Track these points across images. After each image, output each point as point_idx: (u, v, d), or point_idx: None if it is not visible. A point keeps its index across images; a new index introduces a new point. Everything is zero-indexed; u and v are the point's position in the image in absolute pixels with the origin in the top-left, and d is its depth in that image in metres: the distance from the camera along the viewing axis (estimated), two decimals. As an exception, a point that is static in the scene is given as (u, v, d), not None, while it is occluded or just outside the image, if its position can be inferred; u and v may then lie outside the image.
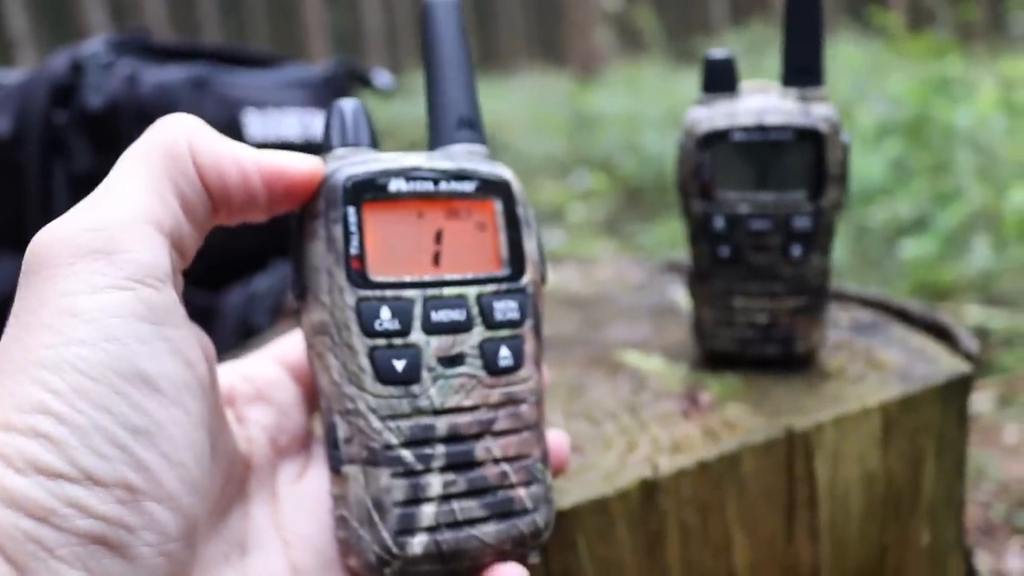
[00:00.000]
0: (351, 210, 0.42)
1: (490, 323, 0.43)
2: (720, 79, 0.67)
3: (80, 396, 0.33)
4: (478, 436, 0.43)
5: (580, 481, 0.55)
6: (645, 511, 0.56)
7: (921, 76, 3.30)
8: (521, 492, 0.43)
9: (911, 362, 0.68)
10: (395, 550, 0.40)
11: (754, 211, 0.66)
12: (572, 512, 0.53)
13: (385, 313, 0.41)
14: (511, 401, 0.44)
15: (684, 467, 0.56)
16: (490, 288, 0.44)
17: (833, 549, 0.63)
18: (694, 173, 0.66)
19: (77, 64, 1.23)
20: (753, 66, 5.16)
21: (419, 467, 0.41)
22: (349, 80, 1.53)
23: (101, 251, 0.35)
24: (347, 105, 0.45)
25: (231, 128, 1.29)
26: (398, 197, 0.43)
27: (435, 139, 0.47)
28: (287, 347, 0.51)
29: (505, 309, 0.44)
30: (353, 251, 0.41)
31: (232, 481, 0.44)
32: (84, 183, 1.21)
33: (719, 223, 0.66)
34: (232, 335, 1.22)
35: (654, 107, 5.50)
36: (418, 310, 0.42)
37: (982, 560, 1.40)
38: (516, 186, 0.46)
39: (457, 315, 0.43)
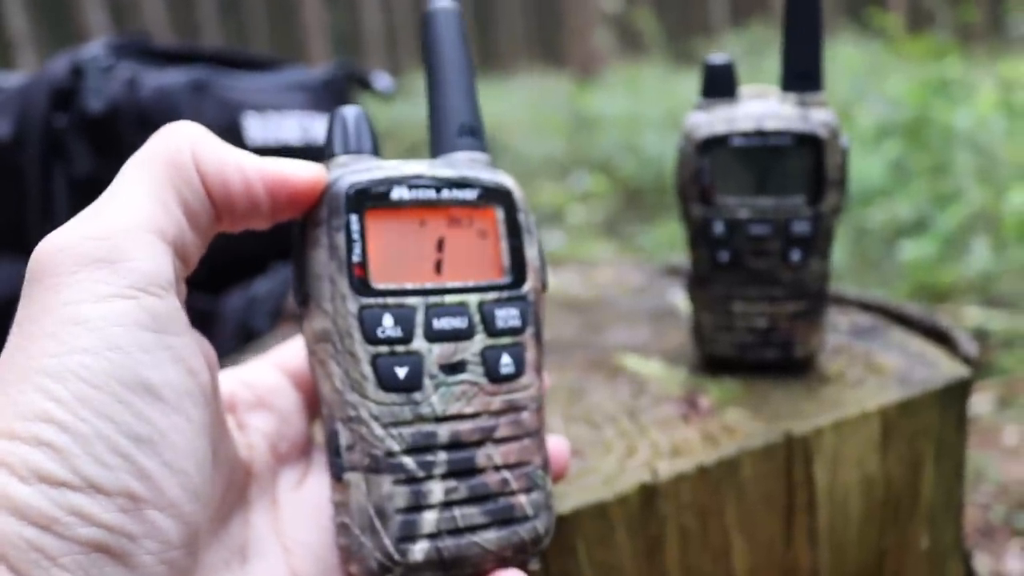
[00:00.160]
0: (354, 218, 0.42)
1: (492, 331, 0.44)
2: (719, 84, 0.67)
3: (83, 405, 0.33)
4: (479, 443, 0.43)
5: (580, 485, 0.55)
6: (644, 516, 0.56)
7: (920, 77, 3.30)
8: (522, 499, 0.43)
9: (910, 366, 0.69)
10: (397, 557, 0.40)
11: (753, 216, 0.66)
12: (572, 517, 0.53)
13: (387, 320, 0.42)
14: (512, 408, 0.44)
15: (683, 472, 0.57)
16: (491, 296, 0.44)
17: (832, 553, 0.63)
18: (693, 178, 0.67)
19: (77, 68, 1.23)
20: (753, 67, 5.17)
21: (421, 474, 0.41)
22: (349, 83, 1.53)
23: (104, 260, 0.35)
24: (349, 112, 0.45)
25: (231, 131, 1.29)
26: (400, 205, 0.43)
27: (437, 146, 0.47)
28: (288, 354, 0.51)
29: (506, 317, 0.44)
30: (355, 259, 0.42)
31: (233, 488, 0.44)
32: (84, 187, 1.22)
33: (718, 228, 0.67)
34: (232, 339, 1.22)
35: (654, 108, 5.50)
36: (420, 317, 0.42)
37: (982, 562, 1.40)
38: (517, 194, 0.46)
39: (459, 323, 0.43)
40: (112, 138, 1.21)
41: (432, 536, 0.41)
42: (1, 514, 0.31)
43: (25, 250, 1.28)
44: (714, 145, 0.66)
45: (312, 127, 1.39)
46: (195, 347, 0.38)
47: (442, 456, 0.42)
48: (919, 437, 0.65)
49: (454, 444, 0.42)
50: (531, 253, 0.46)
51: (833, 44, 6.30)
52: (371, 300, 0.41)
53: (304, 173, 0.42)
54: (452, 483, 0.42)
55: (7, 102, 1.25)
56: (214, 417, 0.40)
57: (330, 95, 1.45)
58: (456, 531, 0.42)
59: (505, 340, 0.44)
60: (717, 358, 0.70)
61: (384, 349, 0.41)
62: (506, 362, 0.44)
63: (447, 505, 0.42)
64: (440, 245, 0.44)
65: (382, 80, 1.55)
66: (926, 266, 2.38)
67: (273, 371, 0.50)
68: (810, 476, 0.61)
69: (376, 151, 0.45)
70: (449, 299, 0.43)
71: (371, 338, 0.41)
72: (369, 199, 0.42)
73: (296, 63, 1.58)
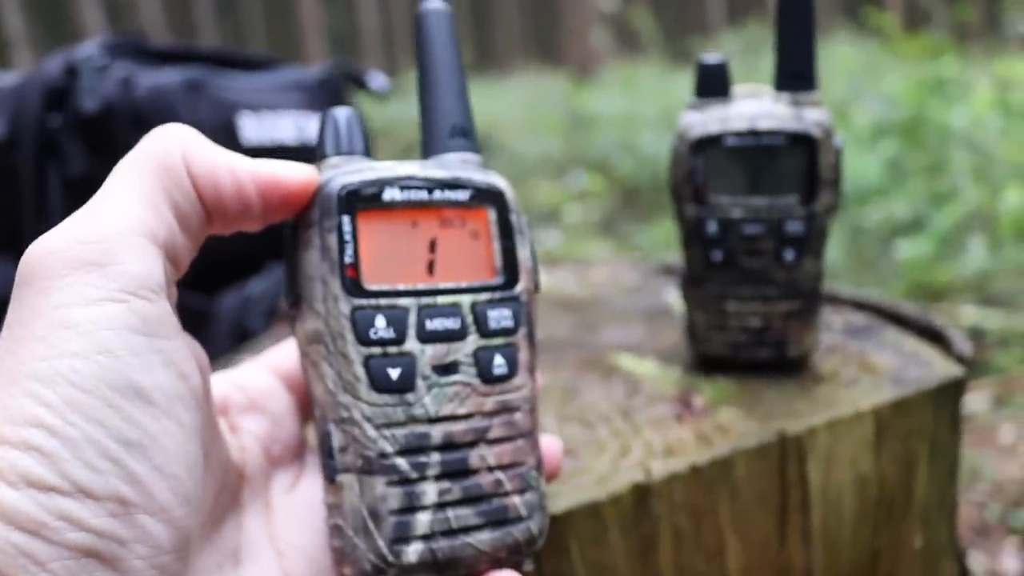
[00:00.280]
0: (345, 219, 0.42)
1: (484, 331, 0.44)
2: (713, 84, 0.67)
3: (73, 409, 0.33)
4: (473, 444, 0.43)
5: (573, 485, 0.55)
6: (638, 515, 0.56)
7: (917, 76, 3.31)
8: (515, 500, 0.43)
9: (904, 365, 0.69)
10: (391, 558, 0.40)
11: (747, 215, 0.66)
12: (565, 516, 0.53)
13: (380, 321, 0.42)
14: (505, 409, 0.44)
15: (677, 471, 0.57)
16: (484, 296, 0.44)
17: (826, 553, 0.63)
18: (687, 177, 0.67)
19: (71, 67, 1.23)
20: (749, 66, 5.17)
21: (414, 475, 0.41)
22: (344, 82, 1.53)
23: (95, 263, 0.35)
24: (341, 114, 0.45)
25: (226, 131, 1.29)
26: (392, 206, 0.43)
27: (429, 148, 0.47)
28: (280, 356, 0.51)
29: (499, 317, 0.44)
30: (347, 260, 0.42)
31: (225, 491, 0.44)
32: (78, 186, 1.21)
33: (712, 227, 0.67)
34: (227, 339, 1.22)
35: (650, 107, 5.50)
36: (412, 318, 0.42)
37: (977, 560, 1.40)
38: (510, 194, 0.46)
39: (451, 323, 0.43)
40: (106, 138, 1.21)
41: (426, 537, 0.41)
42: None
43: (19, 250, 1.28)
44: (708, 145, 0.66)
45: (307, 127, 1.39)
46: (186, 350, 0.38)
47: (435, 457, 0.42)
48: (913, 437, 0.65)
49: (447, 445, 0.42)
50: (523, 254, 0.46)
51: (829, 43, 6.31)
52: (363, 301, 0.41)
53: (296, 174, 0.42)
54: (446, 484, 0.42)
55: (1, 102, 1.25)
56: (206, 421, 0.40)
57: (325, 95, 1.45)
58: (450, 532, 0.42)
59: (498, 341, 0.44)
60: (711, 357, 0.71)
61: (377, 350, 0.41)
62: (499, 363, 0.44)
63: (441, 506, 0.42)
64: (432, 246, 0.44)
65: (377, 80, 1.55)
66: (922, 265, 2.39)
67: (266, 373, 0.50)
68: (804, 475, 0.61)
69: (368, 152, 0.45)
70: (442, 300, 0.43)
71: (363, 339, 0.41)
72: (361, 200, 0.42)
73: (292, 62, 1.58)
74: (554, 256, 1.23)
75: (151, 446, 0.34)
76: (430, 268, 0.44)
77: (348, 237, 0.42)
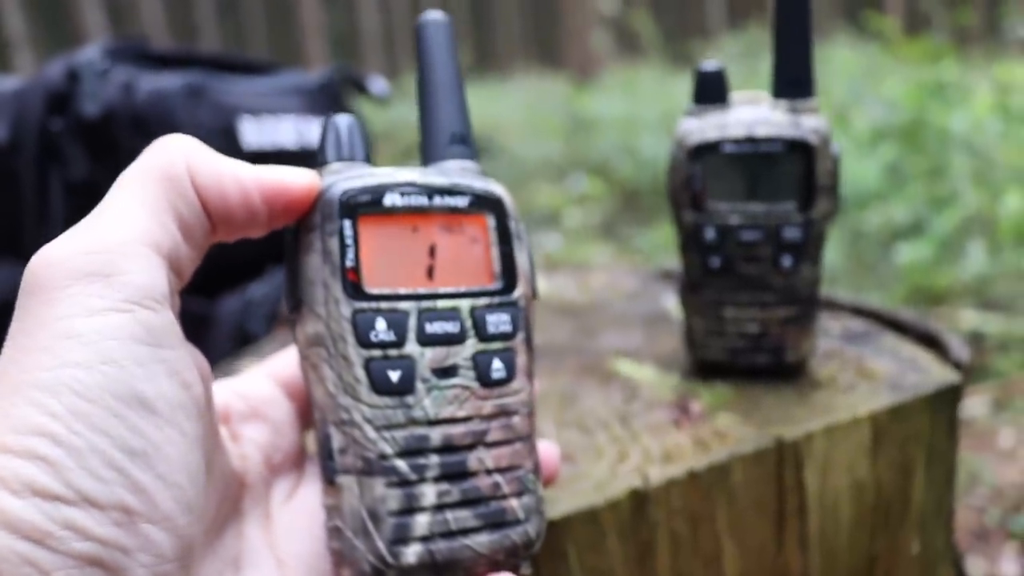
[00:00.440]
0: (347, 223, 0.42)
1: (483, 335, 0.44)
2: (711, 91, 0.67)
3: (77, 418, 0.33)
4: (471, 447, 0.43)
5: (571, 491, 0.56)
6: (635, 521, 0.56)
7: (917, 80, 3.31)
8: (513, 503, 0.44)
9: (901, 371, 0.69)
10: (389, 559, 0.41)
11: (745, 222, 0.66)
12: (563, 522, 0.54)
13: (380, 324, 0.42)
14: (503, 413, 0.44)
15: (674, 477, 0.57)
16: (483, 301, 0.45)
17: (823, 558, 0.63)
18: (685, 184, 0.67)
19: (73, 71, 1.23)
20: (750, 69, 5.18)
21: (413, 477, 0.42)
22: (345, 87, 1.54)
23: (99, 273, 0.36)
24: (342, 120, 0.45)
25: (227, 135, 1.29)
26: (393, 211, 0.43)
27: (428, 155, 0.47)
28: (281, 364, 0.51)
29: (497, 322, 0.44)
30: (349, 263, 0.42)
31: (227, 500, 0.44)
32: (80, 190, 1.22)
33: (710, 234, 0.67)
34: (228, 342, 1.22)
35: (651, 111, 5.50)
36: (412, 322, 0.43)
37: (976, 565, 1.40)
38: (508, 201, 0.46)
39: (451, 327, 0.43)
40: (107, 142, 1.21)
41: (425, 539, 0.41)
42: None
43: (21, 254, 1.29)
44: (705, 151, 0.66)
45: (308, 131, 1.39)
46: (189, 360, 0.38)
47: (434, 459, 0.42)
48: (910, 442, 0.65)
49: (446, 447, 0.42)
50: (521, 259, 0.46)
51: (830, 46, 6.31)
52: (364, 304, 0.42)
53: (299, 180, 0.42)
54: (444, 486, 0.42)
55: (3, 106, 1.25)
56: (208, 429, 0.40)
57: (326, 99, 1.45)
58: (448, 534, 0.42)
59: (496, 345, 0.44)
60: (709, 363, 0.71)
61: (377, 353, 0.42)
62: (497, 367, 0.44)
63: (439, 508, 0.42)
64: (432, 251, 0.44)
65: (378, 84, 1.55)
66: (922, 269, 2.39)
67: (266, 382, 0.50)
68: (801, 481, 0.61)
69: (369, 158, 0.45)
70: (441, 304, 0.44)
71: (364, 342, 0.42)
72: (362, 205, 0.43)
73: (293, 66, 1.58)
74: (554, 261, 1.23)
75: (155, 455, 0.35)
76: (430, 273, 0.44)
77: (349, 241, 0.42)
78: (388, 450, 0.41)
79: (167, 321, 0.37)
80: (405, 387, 0.42)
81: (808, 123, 0.65)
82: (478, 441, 0.43)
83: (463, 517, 0.42)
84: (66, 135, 1.21)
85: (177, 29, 19.66)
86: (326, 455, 0.43)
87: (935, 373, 0.68)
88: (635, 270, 1.10)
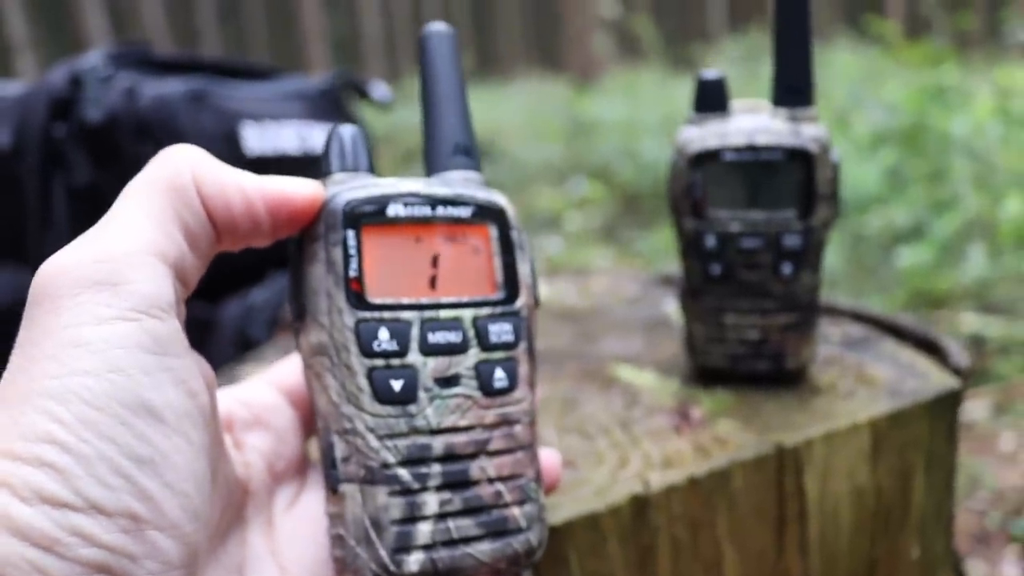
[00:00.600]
0: (350, 233, 0.43)
1: (485, 345, 0.44)
2: (712, 99, 0.68)
3: (85, 426, 0.33)
4: (473, 456, 0.43)
5: (572, 496, 0.56)
6: (636, 527, 0.56)
7: (918, 84, 3.32)
8: (515, 511, 0.44)
9: (901, 377, 0.69)
10: (392, 568, 0.41)
11: (745, 230, 0.67)
12: (564, 527, 0.54)
13: (383, 334, 0.42)
14: (505, 422, 0.44)
15: (675, 483, 0.57)
16: (485, 311, 0.45)
17: (823, 564, 0.64)
18: (686, 192, 0.67)
19: (76, 77, 1.24)
20: (750, 73, 5.18)
21: (416, 486, 0.42)
22: (347, 92, 1.54)
23: (106, 282, 0.36)
24: (346, 131, 0.46)
25: (229, 140, 1.30)
26: (396, 221, 0.44)
27: (431, 166, 0.48)
28: (284, 372, 0.52)
29: (500, 332, 0.45)
30: (352, 273, 0.42)
31: (230, 507, 0.45)
32: (83, 196, 1.22)
33: (710, 241, 0.67)
34: (229, 347, 1.23)
35: (652, 114, 5.51)
36: (415, 332, 0.43)
37: (977, 568, 1.41)
38: (510, 212, 0.47)
39: (453, 337, 0.44)
40: (111, 147, 1.22)
41: (427, 547, 0.42)
42: (2, 535, 0.31)
43: (24, 259, 1.29)
44: (706, 159, 0.66)
45: (310, 136, 1.40)
46: (195, 368, 0.38)
47: (436, 468, 0.42)
48: (909, 448, 0.66)
49: (448, 456, 0.43)
50: (524, 269, 0.46)
51: (830, 50, 6.32)
52: (367, 314, 0.42)
53: (303, 190, 0.42)
54: (446, 495, 0.42)
55: (6, 111, 1.26)
56: (213, 437, 0.41)
57: (328, 104, 1.46)
58: (450, 542, 0.42)
59: (498, 355, 0.45)
60: (709, 369, 0.71)
61: (380, 362, 0.42)
62: (499, 376, 0.44)
63: (441, 517, 0.42)
64: (435, 261, 0.45)
65: (379, 90, 1.56)
66: (923, 273, 2.39)
67: (269, 389, 0.51)
68: (801, 487, 0.62)
69: (372, 169, 0.46)
70: (444, 314, 0.44)
71: (367, 351, 0.42)
72: (365, 215, 0.43)
73: (294, 70, 1.59)
74: (554, 265, 1.23)
75: (162, 463, 0.35)
76: (432, 283, 0.45)
77: (353, 251, 0.42)
78: (391, 459, 0.41)
79: (173, 330, 0.37)
80: (407, 396, 0.42)
81: (808, 131, 0.65)
82: (480, 450, 0.43)
83: (465, 526, 0.42)
84: (69, 141, 1.22)
85: (179, 33, 19.67)
86: (329, 464, 0.43)
87: (934, 379, 0.69)
88: (636, 275, 1.10)
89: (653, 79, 7.44)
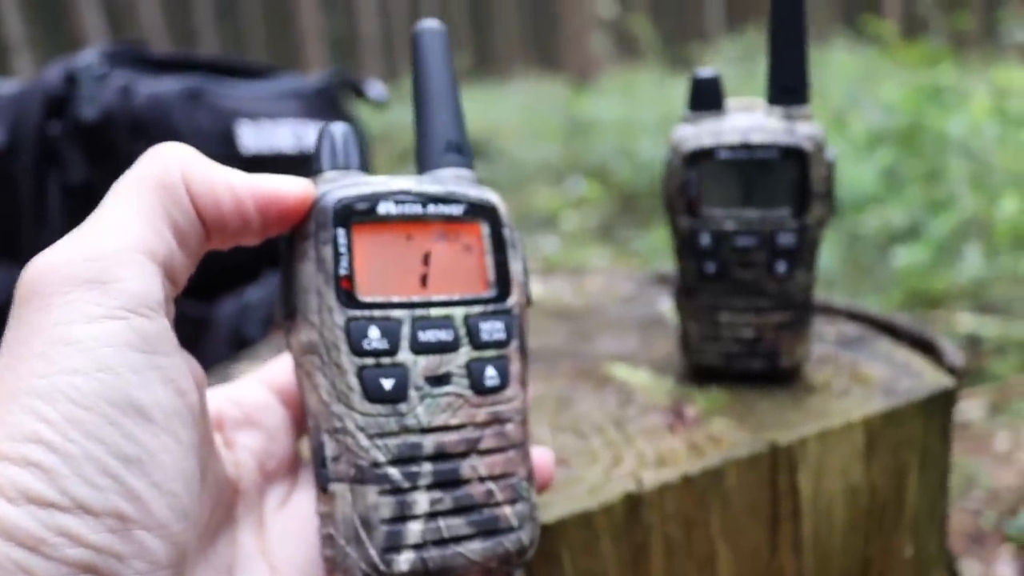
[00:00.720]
0: (341, 231, 0.42)
1: (477, 343, 0.44)
2: (707, 97, 0.68)
3: (73, 425, 0.33)
4: (464, 454, 0.43)
5: (565, 494, 0.56)
6: (629, 525, 0.56)
7: (914, 84, 3.32)
8: (506, 510, 0.44)
9: (895, 376, 0.69)
10: (382, 567, 0.41)
11: (740, 228, 0.66)
12: (557, 525, 0.54)
13: (374, 333, 0.42)
14: (497, 420, 0.44)
15: (668, 481, 0.57)
16: (477, 309, 0.45)
17: (817, 562, 0.64)
18: (680, 190, 0.67)
19: (71, 75, 1.24)
20: (747, 73, 5.18)
21: (406, 485, 0.42)
22: (343, 91, 1.54)
23: (95, 281, 0.36)
24: (337, 129, 0.45)
25: (224, 139, 1.30)
26: (387, 219, 0.44)
27: (423, 163, 0.47)
28: (275, 371, 0.51)
29: (491, 330, 0.45)
30: (342, 272, 0.42)
31: (220, 506, 0.44)
32: (77, 194, 1.22)
33: (705, 239, 0.67)
34: (224, 346, 1.23)
35: (649, 114, 5.51)
36: (406, 330, 0.43)
37: (972, 568, 1.41)
38: (502, 209, 0.46)
39: (444, 335, 0.44)
40: (105, 146, 1.21)
41: (417, 546, 0.41)
42: None
43: (18, 257, 1.29)
44: (701, 158, 0.66)
45: (306, 135, 1.40)
46: (184, 367, 0.38)
47: (427, 467, 0.42)
48: (903, 447, 0.66)
49: (439, 455, 0.42)
50: (515, 267, 0.46)
51: (827, 50, 6.32)
52: (357, 312, 0.42)
53: (293, 188, 0.42)
54: (437, 494, 0.42)
55: (1, 109, 1.25)
56: (203, 437, 0.40)
57: (324, 103, 1.46)
58: (441, 542, 0.42)
59: (490, 353, 0.44)
60: (704, 368, 0.71)
61: (370, 361, 0.42)
62: (491, 375, 0.44)
63: (432, 516, 0.42)
64: (426, 259, 0.45)
65: (375, 89, 1.55)
66: (919, 272, 2.39)
67: (260, 388, 0.51)
68: (795, 485, 0.61)
69: (364, 167, 0.46)
70: (435, 312, 0.44)
71: (357, 350, 0.42)
72: (356, 213, 0.43)
73: (291, 70, 1.58)
74: (550, 264, 1.23)
75: (150, 462, 0.35)
76: (423, 281, 0.44)
77: (343, 249, 0.42)
78: (381, 458, 0.41)
79: (162, 328, 0.37)
80: (398, 395, 0.42)
81: (803, 130, 0.65)
82: (471, 449, 0.43)
83: (456, 525, 0.42)
84: (64, 139, 1.21)
85: (176, 33, 19.65)
86: (319, 463, 0.43)
87: (929, 378, 0.68)
88: (631, 274, 1.10)
89: (651, 79, 7.44)
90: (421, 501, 0.42)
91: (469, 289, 0.45)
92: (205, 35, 20.80)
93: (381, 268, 0.43)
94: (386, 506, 0.41)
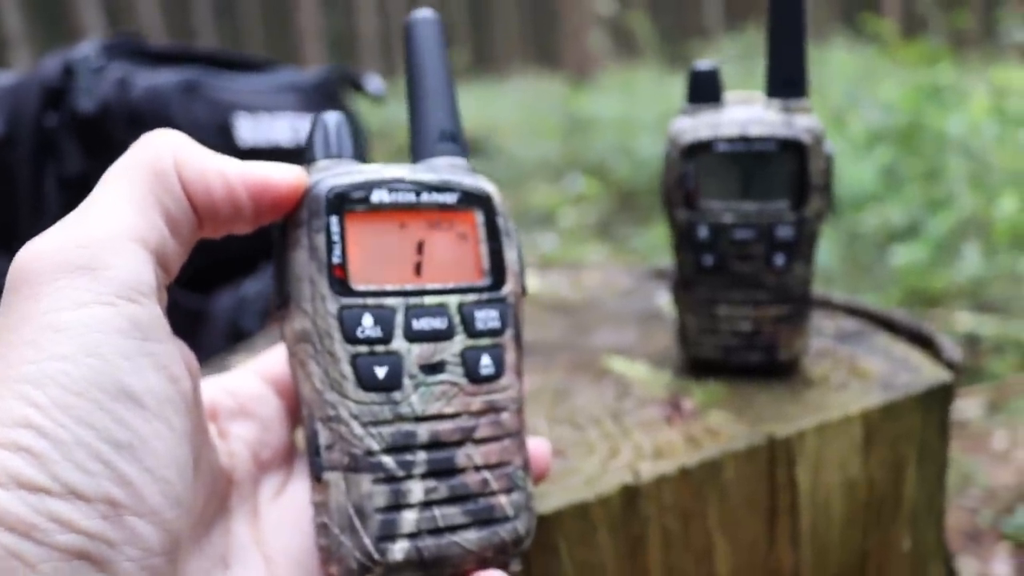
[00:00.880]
0: (333, 219, 0.42)
1: (471, 332, 0.44)
2: (705, 90, 0.67)
3: (63, 411, 0.33)
4: (459, 443, 0.43)
5: (562, 486, 0.56)
6: (627, 516, 0.56)
7: (913, 83, 3.32)
8: (502, 499, 0.44)
9: (894, 370, 0.69)
10: (376, 556, 0.41)
11: (738, 221, 0.66)
12: (554, 517, 0.54)
13: (367, 320, 0.42)
14: (492, 409, 0.44)
15: (666, 473, 0.57)
16: (471, 297, 0.44)
17: (814, 555, 0.63)
18: (678, 183, 0.67)
19: (69, 67, 1.23)
20: (747, 70, 5.17)
21: (400, 473, 0.41)
22: (341, 85, 1.54)
23: (85, 267, 0.35)
24: (330, 118, 0.45)
25: (222, 132, 1.29)
26: (380, 208, 0.43)
27: (417, 152, 0.47)
28: (270, 361, 0.51)
29: (486, 318, 0.44)
30: (335, 260, 0.42)
31: (215, 496, 0.44)
32: (75, 186, 1.22)
33: (703, 232, 0.67)
34: (222, 338, 1.22)
35: (648, 111, 5.51)
36: (400, 318, 0.43)
37: (969, 566, 1.41)
38: (497, 198, 0.46)
39: (439, 323, 0.43)
40: (103, 138, 1.21)
41: (412, 536, 0.41)
42: None
43: (14, 249, 1.28)
44: (699, 150, 0.66)
45: (303, 128, 1.39)
46: (177, 354, 0.38)
47: (422, 456, 0.42)
48: (901, 440, 0.65)
49: (434, 444, 0.42)
50: (510, 256, 0.46)
51: (827, 49, 6.32)
52: (351, 300, 0.42)
53: (286, 176, 0.42)
54: (432, 483, 0.42)
55: (-1, 101, 1.25)
56: (196, 425, 0.40)
57: (322, 97, 1.45)
58: (436, 531, 0.42)
59: (485, 341, 0.44)
60: (701, 361, 0.71)
61: (364, 349, 0.42)
62: (486, 363, 0.44)
63: (427, 505, 0.42)
64: (420, 247, 0.44)
65: (373, 83, 1.55)
66: (918, 271, 2.39)
67: (255, 379, 0.50)
68: (793, 478, 0.61)
69: (360, 156, 0.45)
70: (429, 300, 0.43)
71: (351, 338, 0.41)
72: (349, 201, 0.43)
73: (289, 65, 1.58)
74: (549, 259, 1.23)
75: (141, 448, 0.34)
76: (417, 269, 0.44)
77: (336, 237, 0.42)
78: (375, 446, 0.41)
79: (154, 315, 0.37)
80: (392, 383, 0.42)
81: (801, 122, 0.65)
82: (466, 437, 0.43)
83: (451, 514, 0.42)
84: (61, 130, 1.21)
85: (175, 31, 19.63)
86: (313, 451, 0.42)
87: (927, 372, 0.68)
88: (629, 269, 1.10)
89: (649, 76, 7.44)
90: (416, 490, 0.41)
91: (463, 277, 0.45)
92: (204, 33, 20.79)
93: (374, 256, 0.43)
94: (380, 495, 0.41)
